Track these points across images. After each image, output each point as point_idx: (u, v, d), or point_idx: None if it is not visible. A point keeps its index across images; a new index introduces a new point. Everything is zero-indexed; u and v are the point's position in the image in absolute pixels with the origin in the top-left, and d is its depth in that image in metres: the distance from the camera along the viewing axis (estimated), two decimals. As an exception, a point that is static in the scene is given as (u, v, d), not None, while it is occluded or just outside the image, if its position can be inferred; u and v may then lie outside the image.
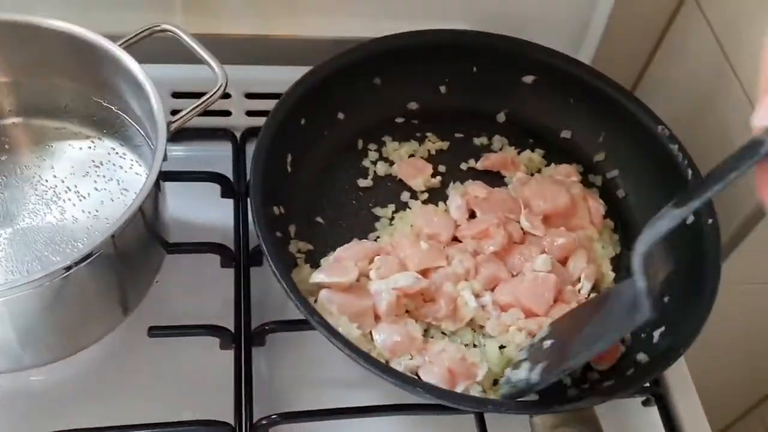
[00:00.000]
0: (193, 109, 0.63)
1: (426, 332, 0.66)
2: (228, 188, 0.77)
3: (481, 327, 0.67)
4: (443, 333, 0.67)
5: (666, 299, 0.69)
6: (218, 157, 0.81)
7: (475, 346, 0.67)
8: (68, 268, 0.53)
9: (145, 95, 0.61)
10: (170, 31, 0.67)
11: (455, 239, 0.73)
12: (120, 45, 0.65)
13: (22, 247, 0.63)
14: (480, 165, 0.80)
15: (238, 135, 0.83)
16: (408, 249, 0.69)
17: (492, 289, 0.69)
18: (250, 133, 0.83)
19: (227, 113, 0.84)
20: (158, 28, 0.67)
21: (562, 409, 0.57)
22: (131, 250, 0.60)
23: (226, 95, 0.83)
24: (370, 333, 0.65)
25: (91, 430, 0.60)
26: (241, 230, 0.75)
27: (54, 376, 0.65)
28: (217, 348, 0.68)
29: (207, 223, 0.76)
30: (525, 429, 0.60)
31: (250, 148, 0.81)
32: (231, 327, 0.68)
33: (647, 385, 0.69)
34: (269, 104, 0.84)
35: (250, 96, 0.84)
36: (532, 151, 0.82)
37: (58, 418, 0.61)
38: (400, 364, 0.63)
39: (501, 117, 0.83)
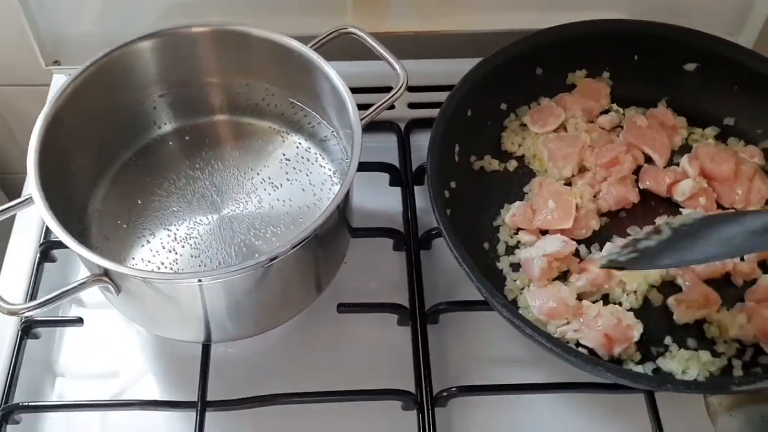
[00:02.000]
0: (380, 105, 0.69)
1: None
2: (396, 177, 0.82)
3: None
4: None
5: None
6: (383, 148, 0.86)
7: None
8: (276, 257, 0.60)
9: (340, 97, 0.67)
10: (354, 33, 0.72)
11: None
12: (311, 47, 0.71)
13: (228, 231, 0.71)
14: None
15: (401, 126, 0.88)
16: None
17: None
18: (413, 124, 0.88)
19: (391, 106, 0.89)
20: (344, 30, 0.73)
21: (741, 389, 0.59)
22: (327, 237, 0.66)
23: (388, 89, 0.90)
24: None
25: (290, 395, 0.68)
26: (410, 216, 0.80)
27: (255, 345, 0.73)
28: (394, 324, 0.74)
29: (378, 209, 0.82)
30: (697, 408, 0.63)
31: (414, 139, 0.87)
32: (406, 304, 0.73)
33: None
34: (430, 96, 0.90)
35: (412, 89, 0.89)
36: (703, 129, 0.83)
37: (259, 384, 0.69)
38: (555, 329, 0.67)
39: (662, 104, 0.84)
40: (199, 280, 0.60)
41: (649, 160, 0.80)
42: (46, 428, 0.69)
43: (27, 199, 0.61)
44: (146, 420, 0.69)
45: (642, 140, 0.80)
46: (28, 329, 0.72)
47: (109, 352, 0.73)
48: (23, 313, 0.58)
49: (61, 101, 0.67)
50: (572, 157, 0.78)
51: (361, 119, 0.68)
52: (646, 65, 0.83)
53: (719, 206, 0.77)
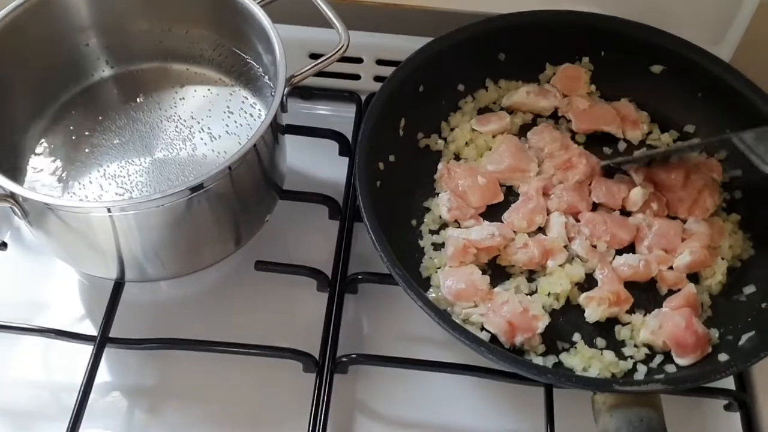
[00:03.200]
0: (314, 66, 0.68)
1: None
2: (345, 147, 0.82)
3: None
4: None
5: (764, 305, 0.67)
6: (343, 118, 0.86)
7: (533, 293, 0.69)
8: (191, 190, 0.60)
9: (272, 48, 0.67)
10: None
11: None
12: (258, 2, 0.71)
13: (157, 175, 0.72)
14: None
15: (363, 98, 0.88)
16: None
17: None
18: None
19: (357, 77, 0.89)
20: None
21: (624, 389, 0.57)
22: (245, 186, 0.67)
23: (358, 59, 0.89)
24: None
25: (191, 341, 0.68)
26: (351, 186, 0.80)
27: (170, 291, 0.74)
28: (314, 290, 0.73)
29: (324, 177, 0.82)
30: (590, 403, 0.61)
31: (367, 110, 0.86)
32: (329, 273, 0.73)
33: (732, 388, 0.67)
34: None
35: (380, 62, 0.88)
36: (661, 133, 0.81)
37: (172, 328, 0.70)
38: (461, 311, 0.67)
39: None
40: (109, 210, 0.61)
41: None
42: (-45, 343, 0.71)
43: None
44: (53, 348, 0.70)
45: (593, 121, 0.78)
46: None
47: (27, 279, 0.75)
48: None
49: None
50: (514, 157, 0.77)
51: (296, 75, 0.67)
52: (612, 62, 0.82)
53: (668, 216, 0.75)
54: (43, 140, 0.74)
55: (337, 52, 0.69)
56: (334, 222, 0.78)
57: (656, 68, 0.81)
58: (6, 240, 0.75)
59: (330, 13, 0.71)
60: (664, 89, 0.80)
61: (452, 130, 0.80)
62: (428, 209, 0.75)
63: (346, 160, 0.82)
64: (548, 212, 0.74)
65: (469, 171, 0.76)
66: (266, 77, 0.75)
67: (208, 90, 0.78)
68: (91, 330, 0.70)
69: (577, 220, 0.74)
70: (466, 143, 0.79)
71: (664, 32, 0.80)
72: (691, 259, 0.70)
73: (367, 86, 0.89)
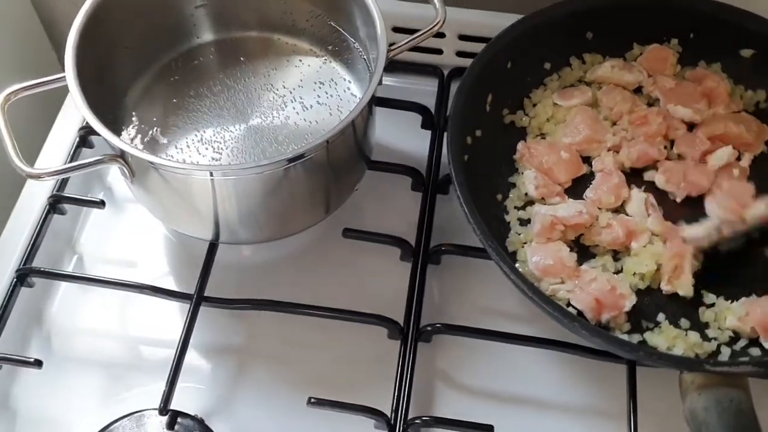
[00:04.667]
0: (411, 40, 0.69)
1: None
2: (429, 120, 0.83)
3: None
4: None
5: None
6: (425, 91, 0.87)
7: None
8: (289, 161, 0.62)
9: (372, 22, 0.68)
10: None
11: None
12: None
13: (251, 141, 0.74)
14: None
15: (445, 72, 0.88)
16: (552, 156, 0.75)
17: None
18: (457, 72, 0.87)
19: (439, 51, 0.90)
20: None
21: (714, 370, 0.58)
22: (339, 158, 0.68)
23: (440, 34, 0.90)
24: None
25: (281, 303, 0.70)
26: (434, 159, 0.81)
27: (260, 255, 0.76)
28: (397, 259, 0.75)
29: (406, 149, 0.83)
30: (675, 388, 0.62)
31: (455, 87, 0.87)
32: (413, 242, 0.75)
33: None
34: (480, 47, 0.89)
35: (462, 38, 0.89)
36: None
37: (259, 290, 0.72)
38: (548, 286, 0.67)
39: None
40: (211, 174, 0.63)
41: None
42: (56, 295, 0.74)
43: (61, 77, 0.65)
44: (145, 304, 0.73)
45: (680, 99, 0.78)
46: (55, 204, 0.76)
47: (125, 238, 0.78)
48: (39, 176, 0.62)
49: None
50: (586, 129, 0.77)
51: (391, 49, 0.68)
52: (702, 44, 0.81)
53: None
54: (141, 103, 0.76)
55: (433, 27, 0.70)
56: (416, 194, 0.79)
57: (746, 52, 0.80)
58: (102, 198, 0.77)
59: (426, -13, 0.72)
60: (755, 74, 0.80)
61: (534, 106, 0.81)
62: (513, 185, 0.76)
63: (428, 133, 0.83)
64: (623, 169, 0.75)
65: (550, 147, 0.76)
66: (360, 49, 0.76)
67: (300, 60, 0.79)
68: (184, 288, 0.72)
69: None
70: (548, 119, 0.80)
71: (753, 14, 0.79)
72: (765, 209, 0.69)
73: (450, 61, 0.90)
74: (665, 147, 0.77)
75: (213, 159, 0.73)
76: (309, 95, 0.77)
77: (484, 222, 0.67)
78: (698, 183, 0.74)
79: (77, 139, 0.81)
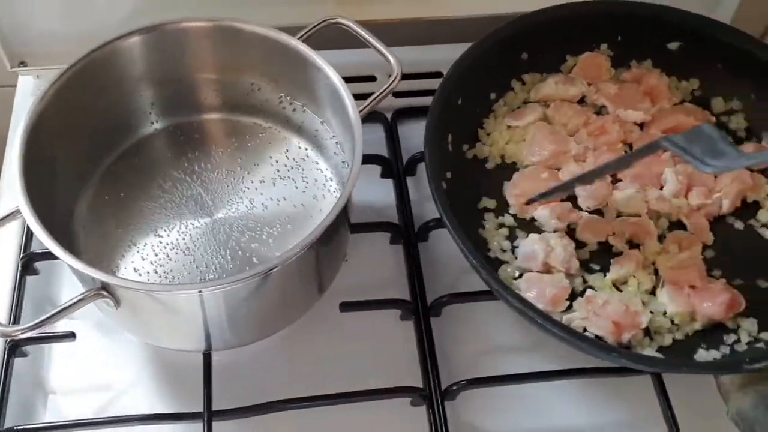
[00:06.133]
0: (377, 96, 0.67)
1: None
2: (387, 169, 0.81)
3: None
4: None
5: None
6: (370, 139, 0.83)
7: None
8: (281, 263, 0.58)
9: (336, 91, 0.66)
10: (342, 24, 0.70)
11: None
12: (299, 37, 0.69)
13: (222, 234, 0.69)
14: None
15: (388, 116, 0.86)
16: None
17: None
18: (400, 114, 0.86)
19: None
20: (333, 21, 0.71)
21: (754, 368, 0.59)
22: (330, 238, 0.64)
23: (373, 78, 0.88)
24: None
25: (297, 400, 0.66)
26: (405, 209, 0.78)
27: (257, 350, 0.71)
28: (396, 319, 0.72)
29: (370, 202, 0.80)
30: (706, 388, 0.63)
31: (401, 129, 0.85)
32: (408, 298, 0.72)
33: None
34: (414, 84, 0.89)
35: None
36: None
37: (263, 390, 0.67)
38: (560, 317, 0.67)
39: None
40: (200, 292, 0.58)
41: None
42: (43, 449, 0.66)
43: (14, 211, 0.58)
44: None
45: (627, 102, 0.80)
46: (15, 347, 0.68)
47: (102, 366, 0.70)
48: (19, 335, 0.55)
49: (43, 105, 0.63)
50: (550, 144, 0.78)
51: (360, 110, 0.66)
52: (630, 45, 0.83)
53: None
54: (93, 212, 0.70)
55: (394, 80, 0.68)
56: (395, 247, 0.77)
57: (673, 45, 0.83)
58: (70, 330, 0.70)
59: (374, 41, 0.69)
60: (685, 64, 0.83)
61: (489, 135, 0.80)
62: (493, 215, 0.75)
63: (388, 182, 0.81)
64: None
65: (530, 176, 0.76)
66: (315, 114, 0.73)
67: (251, 138, 0.75)
68: (190, 407, 0.67)
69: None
70: (506, 142, 0.79)
71: (673, 8, 0.82)
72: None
73: (389, 103, 0.87)
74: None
75: (186, 263, 0.67)
76: (268, 171, 0.73)
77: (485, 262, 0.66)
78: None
79: (19, 268, 0.73)
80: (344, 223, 0.67)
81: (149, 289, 0.58)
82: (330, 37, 0.72)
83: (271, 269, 0.58)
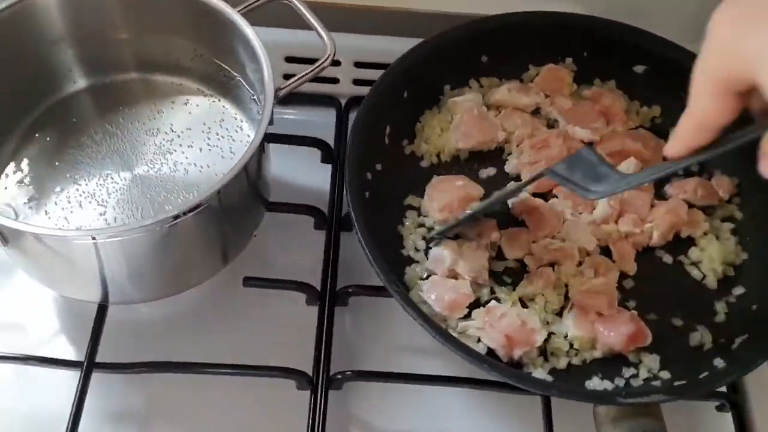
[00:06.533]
0: (302, 77, 0.66)
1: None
2: (328, 154, 0.80)
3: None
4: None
5: (754, 307, 0.67)
6: (322, 123, 0.84)
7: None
8: (177, 217, 0.58)
9: (258, 61, 0.65)
10: (286, 1, 0.70)
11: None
12: (239, 11, 0.68)
13: (138, 192, 0.70)
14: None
15: (343, 102, 0.86)
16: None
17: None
18: (355, 101, 0.85)
19: (335, 80, 0.87)
20: (279, -3, 0.70)
21: (626, 402, 0.58)
22: (234, 205, 0.65)
23: (336, 62, 0.87)
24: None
25: (181, 364, 0.66)
26: (336, 196, 0.78)
27: (156, 311, 0.72)
28: (303, 303, 0.72)
29: (307, 185, 0.80)
30: (590, 415, 0.61)
31: (354, 117, 0.85)
32: (318, 285, 0.72)
33: (723, 390, 0.68)
34: (377, 74, 0.87)
35: (359, 65, 0.87)
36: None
37: (158, 350, 0.67)
38: (456, 323, 0.66)
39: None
40: (93, 238, 0.59)
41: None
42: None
43: None
44: (33, 375, 0.67)
45: (579, 119, 0.78)
46: None
47: (7, 302, 0.72)
48: None
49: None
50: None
51: (282, 88, 0.65)
52: (596, 63, 0.81)
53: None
54: (16, 157, 0.71)
55: (324, 62, 0.67)
56: (320, 233, 0.76)
57: (639, 68, 0.80)
58: (-23, 263, 0.71)
59: (313, 20, 0.69)
60: (649, 89, 0.80)
61: (424, 129, 0.79)
62: (416, 214, 0.74)
63: (329, 167, 0.80)
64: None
65: (445, 185, 0.74)
66: (248, 87, 0.73)
67: (187, 101, 0.75)
68: (75, 355, 0.68)
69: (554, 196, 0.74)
70: (439, 135, 0.78)
71: (644, 31, 0.79)
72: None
73: (347, 90, 0.87)
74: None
75: (98, 213, 0.68)
76: (198, 138, 0.73)
77: (388, 261, 0.65)
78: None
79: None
80: (252, 192, 0.67)
81: (38, 233, 0.58)
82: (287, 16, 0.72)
83: (167, 220, 0.58)
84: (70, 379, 0.66)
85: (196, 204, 0.59)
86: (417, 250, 0.72)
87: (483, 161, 0.78)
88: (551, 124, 0.80)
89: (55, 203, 0.68)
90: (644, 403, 0.58)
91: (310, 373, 0.67)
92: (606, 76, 0.82)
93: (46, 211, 0.68)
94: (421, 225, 0.73)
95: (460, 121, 0.76)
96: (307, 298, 0.71)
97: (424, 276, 0.70)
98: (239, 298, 0.71)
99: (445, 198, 0.72)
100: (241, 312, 0.72)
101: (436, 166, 0.77)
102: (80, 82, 0.75)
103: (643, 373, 0.65)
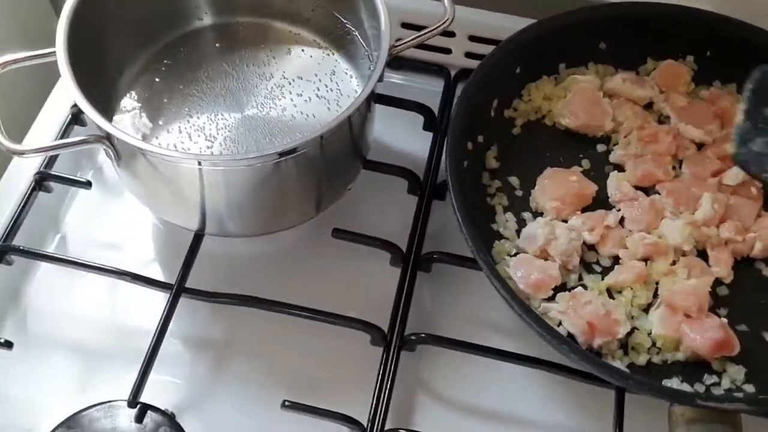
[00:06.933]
0: (417, 37, 0.67)
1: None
2: (431, 121, 0.80)
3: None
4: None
5: None
6: (430, 92, 0.84)
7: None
8: (281, 155, 0.60)
9: (377, 17, 0.66)
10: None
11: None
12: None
13: (245, 131, 0.72)
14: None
15: (452, 73, 0.86)
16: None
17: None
18: (464, 73, 0.85)
19: (448, 51, 0.88)
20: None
21: (707, 404, 0.56)
22: (334, 154, 0.66)
23: (450, 33, 0.87)
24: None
25: (264, 300, 0.68)
26: (433, 163, 0.78)
27: (247, 248, 0.74)
28: (387, 263, 0.73)
29: (406, 150, 0.81)
30: (662, 414, 0.60)
31: (461, 89, 0.85)
32: (404, 248, 0.72)
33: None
34: (489, 50, 0.87)
35: (473, 39, 0.86)
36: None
37: (244, 285, 0.70)
38: (539, 304, 0.65)
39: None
40: (199, 163, 0.61)
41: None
42: (35, 275, 0.73)
43: (51, 52, 0.63)
44: (126, 291, 0.71)
45: (693, 118, 0.75)
46: (41, 181, 0.74)
47: (112, 221, 0.76)
48: (23, 153, 0.60)
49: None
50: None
51: (396, 45, 0.66)
52: (718, 63, 0.78)
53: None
54: (136, 83, 0.74)
55: (441, 25, 0.68)
56: (412, 197, 0.77)
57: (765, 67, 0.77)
58: (89, 179, 0.75)
59: (437, -13, 0.69)
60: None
61: (530, 91, 0.78)
62: (512, 192, 0.74)
63: (429, 135, 0.81)
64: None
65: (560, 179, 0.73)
66: (363, 43, 0.74)
67: (302, 51, 0.77)
68: (167, 277, 0.70)
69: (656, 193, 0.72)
70: (545, 98, 0.78)
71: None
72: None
73: (457, 61, 0.87)
74: (673, 167, 0.74)
75: (205, 147, 0.70)
76: (308, 87, 0.75)
77: (479, 233, 0.65)
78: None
79: (69, 116, 0.79)
80: (352, 145, 0.68)
81: (145, 149, 0.61)
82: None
83: (271, 156, 0.60)
84: (160, 300, 0.69)
85: (299, 145, 0.60)
86: (507, 226, 0.71)
87: (578, 143, 0.76)
88: (662, 120, 0.78)
89: (168, 131, 0.71)
90: (725, 409, 0.56)
91: (386, 331, 0.68)
92: (727, 79, 0.79)
93: (156, 137, 0.71)
94: (514, 204, 0.72)
95: (572, 98, 0.75)
96: (392, 258, 0.72)
97: (513, 253, 0.69)
98: (327, 248, 0.73)
99: (558, 191, 0.71)
100: (327, 262, 0.73)
101: (527, 125, 0.77)
102: (205, 20, 0.78)
103: (726, 383, 0.63)
